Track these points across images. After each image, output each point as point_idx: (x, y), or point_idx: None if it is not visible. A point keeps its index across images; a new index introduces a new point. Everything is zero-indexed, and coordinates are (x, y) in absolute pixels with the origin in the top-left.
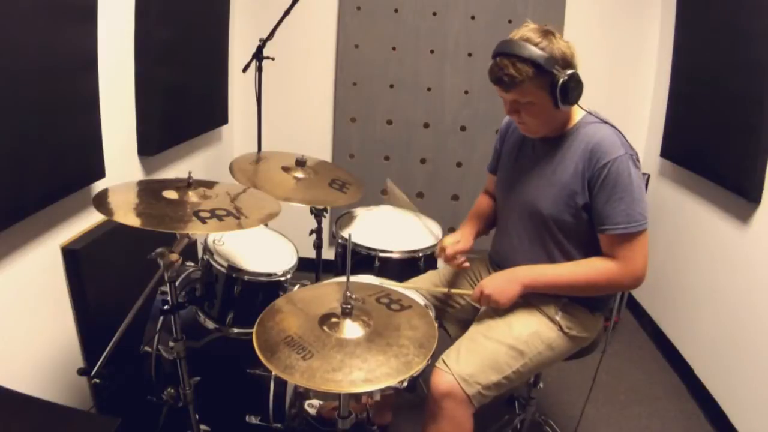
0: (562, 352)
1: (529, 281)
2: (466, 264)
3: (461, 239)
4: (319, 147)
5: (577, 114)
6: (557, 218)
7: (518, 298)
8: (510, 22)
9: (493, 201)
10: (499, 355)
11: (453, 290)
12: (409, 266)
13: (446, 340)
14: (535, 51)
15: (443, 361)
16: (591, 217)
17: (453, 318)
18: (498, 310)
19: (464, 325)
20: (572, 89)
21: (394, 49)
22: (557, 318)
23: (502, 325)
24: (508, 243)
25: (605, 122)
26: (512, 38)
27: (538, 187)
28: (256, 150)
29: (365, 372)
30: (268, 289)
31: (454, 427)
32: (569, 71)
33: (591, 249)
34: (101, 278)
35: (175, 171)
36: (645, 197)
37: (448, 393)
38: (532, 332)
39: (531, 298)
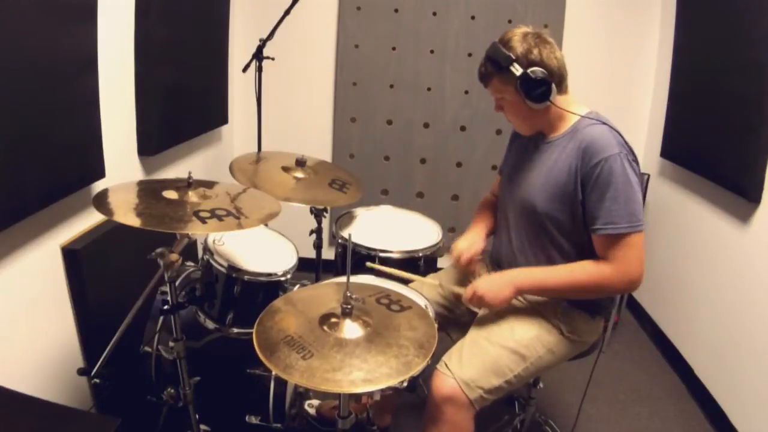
0: (562, 355)
1: (521, 284)
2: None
3: (474, 241)
4: (319, 147)
5: (569, 115)
6: (552, 216)
7: (512, 301)
8: (510, 22)
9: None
10: (501, 359)
11: (445, 285)
12: (409, 266)
13: (446, 341)
14: (498, 50)
15: (445, 364)
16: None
17: (455, 322)
18: (500, 313)
19: (465, 329)
20: (533, 87)
21: (394, 49)
22: (557, 322)
23: (504, 329)
24: (506, 242)
25: (603, 122)
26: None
27: (534, 184)
28: (256, 150)
29: (365, 372)
30: (268, 289)
31: (455, 430)
32: (531, 69)
33: (589, 249)
34: (101, 278)
35: (175, 171)
36: (640, 198)
37: (449, 397)
38: (534, 336)
39: (532, 302)
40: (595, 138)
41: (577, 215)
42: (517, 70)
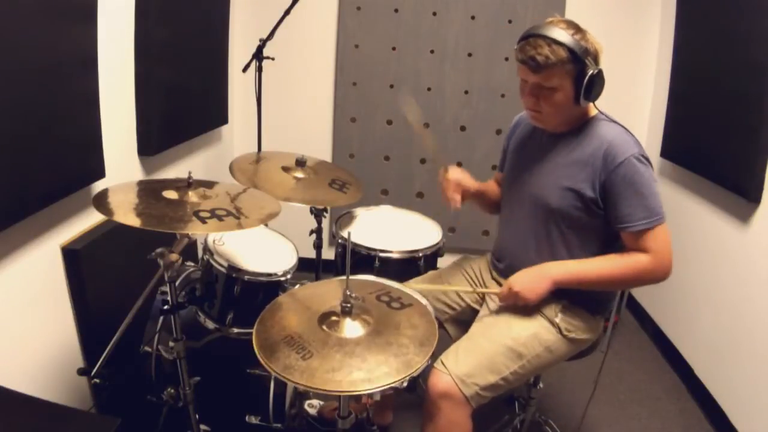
0: (561, 354)
1: (559, 277)
2: (457, 205)
3: (467, 178)
4: (319, 147)
5: (590, 112)
6: (565, 212)
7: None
8: (510, 22)
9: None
10: (497, 356)
11: (480, 289)
12: (409, 266)
13: (446, 340)
14: (571, 38)
15: (441, 361)
16: (607, 217)
17: (453, 319)
18: (498, 311)
19: (465, 327)
20: (597, 85)
21: (394, 49)
22: (557, 320)
23: (501, 327)
24: (509, 237)
25: (615, 122)
26: (547, 23)
27: (547, 181)
28: (256, 150)
29: (365, 372)
30: (268, 289)
31: (452, 427)
32: (599, 67)
33: (597, 246)
34: (101, 278)
35: (175, 171)
36: (658, 191)
37: (445, 393)
38: (531, 334)
39: None
40: (614, 139)
41: (589, 211)
42: (591, 65)
